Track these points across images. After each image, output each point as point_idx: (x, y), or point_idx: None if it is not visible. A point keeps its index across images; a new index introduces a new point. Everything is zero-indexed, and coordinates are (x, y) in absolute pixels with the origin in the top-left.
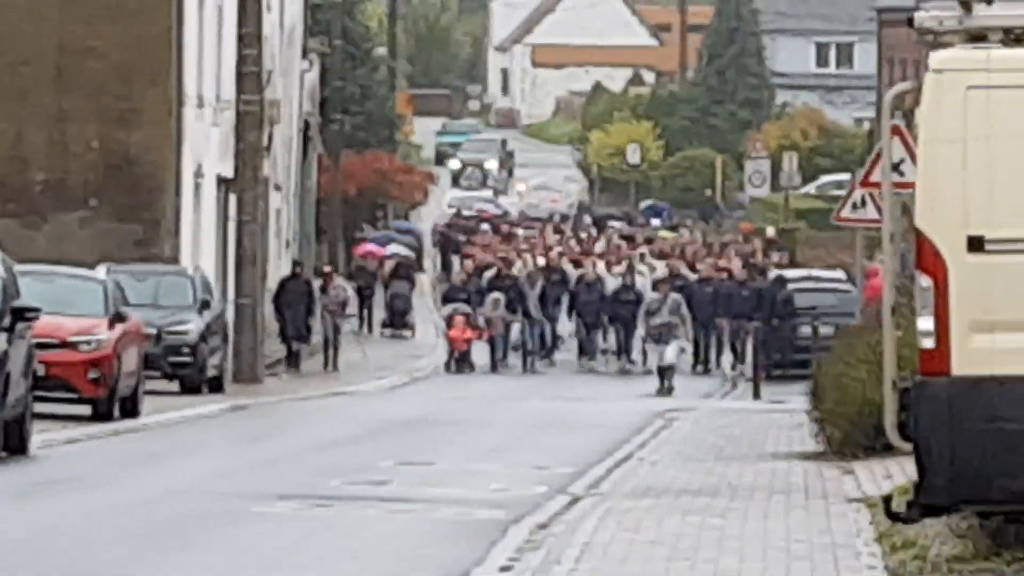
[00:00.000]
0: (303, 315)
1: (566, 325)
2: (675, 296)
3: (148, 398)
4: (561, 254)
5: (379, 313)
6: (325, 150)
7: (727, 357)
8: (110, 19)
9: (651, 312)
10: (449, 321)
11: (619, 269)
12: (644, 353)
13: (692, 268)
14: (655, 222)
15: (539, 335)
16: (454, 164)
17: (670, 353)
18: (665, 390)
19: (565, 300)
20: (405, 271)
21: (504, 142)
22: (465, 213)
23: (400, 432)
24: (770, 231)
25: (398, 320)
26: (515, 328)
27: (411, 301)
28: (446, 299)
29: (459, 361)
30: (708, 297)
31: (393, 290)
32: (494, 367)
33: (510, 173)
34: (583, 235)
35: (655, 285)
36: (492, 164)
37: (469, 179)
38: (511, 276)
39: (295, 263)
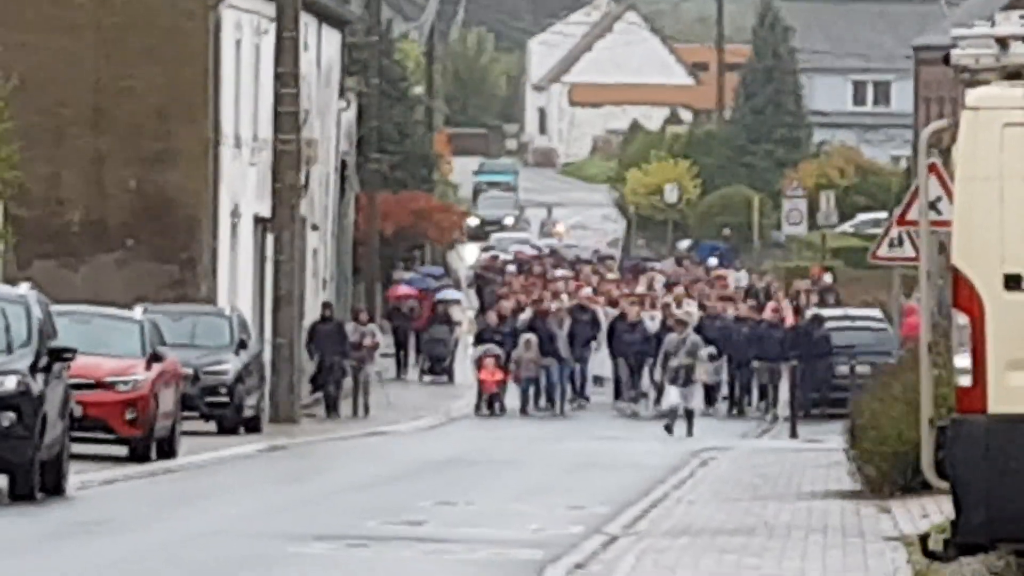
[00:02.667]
0: (338, 359)
1: (604, 366)
2: (694, 337)
3: (185, 438)
4: (597, 293)
5: (414, 355)
6: (362, 189)
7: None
8: (147, 60)
9: (669, 354)
10: (479, 363)
11: (655, 312)
12: (659, 394)
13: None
14: (712, 262)
15: (568, 376)
16: (472, 221)
17: (692, 396)
18: (668, 428)
19: (594, 342)
20: (444, 315)
21: (516, 199)
22: (502, 256)
23: (437, 472)
24: (827, 278)
25: (437, 366)
26: (553, 371)
27: (449, 346)
28: (478, 340)
29: (489, 404)
30: (744, 338)
31: (431, 335)
32: (524, 410)
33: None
34: (627, 276)
35: (672, 325)
36: (509, 220)
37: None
38: (545, 317)
39: (325, 305)
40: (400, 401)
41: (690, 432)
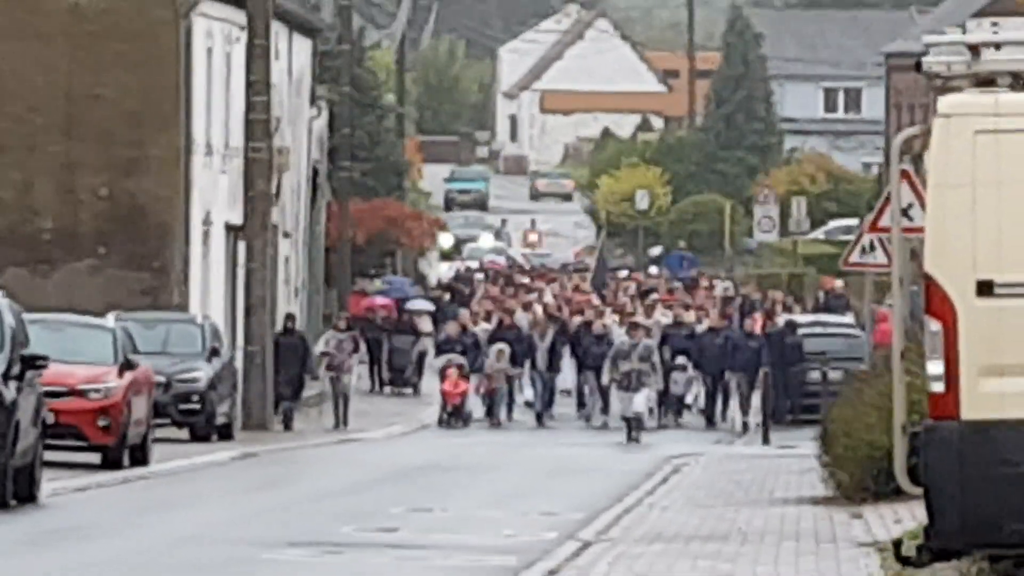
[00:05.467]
0: (297, 374)
1: (568, 378)
2: (647, 342)
3: (157, 446)
4: (568, 304)
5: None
6: (334, 197)
7: (733, 408)
8: (118, 67)
9: (619, 357)
10: (442, 373)
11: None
12: (604, 401)
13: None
14: (659, 271)
15: (549, 389)
16: (445, 241)
17: (638, 402)
18: (632, 439)
19: (566, 352)
20: (408, 325)
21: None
22: (471, 265)
23: (410, 479)
24: (839, 283)
25: (397, 377)
26: (525, 382)
27: (411, 356)
28: (439, 350)
29: (451, 415)
30: (717, 349)
31: (392, 345)
32: (493, 422)
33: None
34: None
35: (628, 329)
36: (486, 241)
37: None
38: (514, 327)
39: (288, 317)
40: (372, 409)
41: (634, 438)
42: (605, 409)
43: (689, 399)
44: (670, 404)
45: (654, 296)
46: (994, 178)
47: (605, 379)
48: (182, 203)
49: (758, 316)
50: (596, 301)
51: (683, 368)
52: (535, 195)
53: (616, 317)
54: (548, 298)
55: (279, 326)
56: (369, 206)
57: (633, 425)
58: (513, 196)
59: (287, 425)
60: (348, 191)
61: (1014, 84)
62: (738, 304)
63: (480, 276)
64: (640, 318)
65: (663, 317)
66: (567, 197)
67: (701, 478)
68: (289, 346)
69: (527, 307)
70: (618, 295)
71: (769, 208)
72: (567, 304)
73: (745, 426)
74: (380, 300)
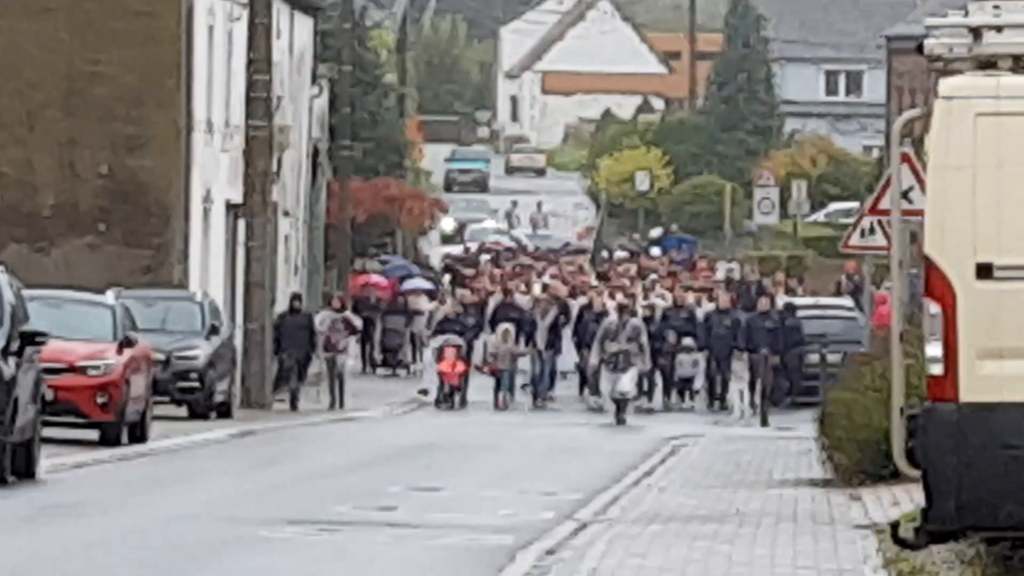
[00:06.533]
0: (303, 354)
1: (568, 360)
2: (634, 322)
3: (156, 423)
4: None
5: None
6: (334, 176)
7: (736, 389)
8: (119, 44)
9: (607, 338)
10: (439, 354)
11: (621, 299)
12: (583, 380)
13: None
14: (655, 252)
15: (550, 370)
16: (447, 225)
17: (625, 382)
18: (620, 420)
19: (567, 333)
20: (403, 305)
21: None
22: (471, 246)
23: (408, 458)
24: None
25: (391, 357)
26: (526, 362)
27: (405, 337)
28: (437, 331)
29: (449, 396)
30: (726, 330)
31: (386, 325)
32: (497, 404)
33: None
34: (604, 267)
35: (618, 311)
36: (489, 223)
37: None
38: (515, 307)
39: (294, 296)
40: (370, 388)
41: (621, 420)
42: (596, 390)
43: (698, 384)
44: (673, 385)
45: (652, 277)
46: (995, 161)
47: (594, 360)
48: (182, 181)
49: (766, 299)
50: (594, 281)
51: (690, 350)
52: (509, 169)
53: (614, 301)
54: (546, 279)
55: (279, 305)
56: (369, 185)
57: (621, 406)
58: (514, 177)
59: (293, 405)
60: (348, 170)
61: (1015, 67)
62: (751, 286)
63: (486, 257)
64: (639, 300)
65: (660, 300)
66: (540, 171)
67: (699, 459)
68: (295, 325)
69: (528, 287)
70: (616, 276)
71: (769, 190)
72: (564, 285)
73: (754, 407)
74: (375, 279)
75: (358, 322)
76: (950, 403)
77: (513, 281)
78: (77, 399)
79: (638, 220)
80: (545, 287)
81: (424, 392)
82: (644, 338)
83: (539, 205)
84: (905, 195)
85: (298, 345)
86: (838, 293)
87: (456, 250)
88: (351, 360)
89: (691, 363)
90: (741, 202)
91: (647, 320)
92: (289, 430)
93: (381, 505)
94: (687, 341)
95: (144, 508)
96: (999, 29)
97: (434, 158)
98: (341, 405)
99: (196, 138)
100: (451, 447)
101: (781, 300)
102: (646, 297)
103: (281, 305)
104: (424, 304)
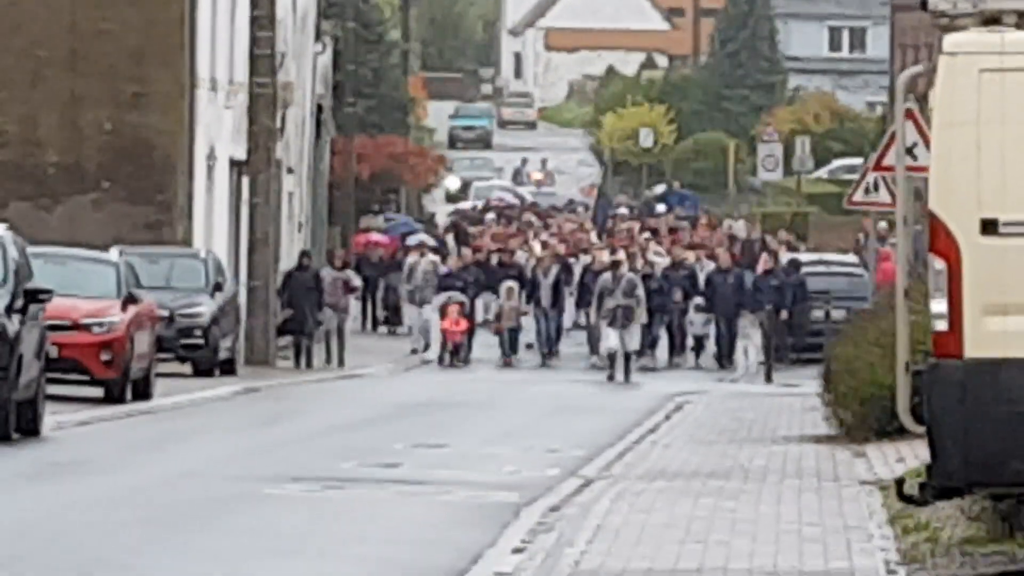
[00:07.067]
0: (312, 310)
1: (568, 317)
2: (629, 276)
3: (160, 380)
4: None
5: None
6: (338, 133)
7: (741, 347)
8: (123, 1)
9: (604, 295)
10: (443, 311)
11: (621, 256)
12: (589, 340)
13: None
14: (660, 208)
15: (555, 328)
16: (452, 183)
17: (632, 336)
18: (610, 376)
19: (567, 290)
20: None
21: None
22: (477, 204)
23: (412, 415)
24: (882, 224)
25: (392, 315)
26: (529, 320)
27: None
28: (440, 288)
29: (452, 354)
30: (730, 288)
31: (387, 282)
32: (505, 361)
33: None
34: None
35: (610, 267)
36: (496, 181)
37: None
38: (516, 264)
39: (303, 253)
40: (370, 345)
41: (627, 378)
42: (595, 348)
43: (711, 343)
44: (685, 345)
45: (645, 236)
46: (999, 117)
47: (593, 318)
48: (186, 138)
49: (767, 257)
50: (595, 239)
51: (700, 309)
52: (501, 123)
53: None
54: (545, 236)
55: (283, 263)
56: (373, 142)
57: (624, 361)
58: (517, 133)
59: (308, 362)
60: (352, 127)
61: (1020, 22)
62: (755, 243)
63: (491, 216)
64: (638, 258)
65: (658, 257)
66: (531, 125)
67: (703, 416)
68: (303, 282)
69: (527, 245)
70: (618, 233)
71: (773, 147)
72: (562, 243)
73: (761, 365)
74: (376, 237)
75: (357, 281)
76: (955, 359)
77: (516, 239)
78: (81, 356)
79: (642, 177)
80: (544, 245)
81: (415, 351)
82: (641, 291)
83: (543, 162)
84: (909, 151)
85: (306, 301)
86: (857, 251)
87: (465, 205)
88: (351, 319)
89: (703, 322)
90: (745, 159)
91: (647, 278)
92: (293, 387)
93: (385, 462)
94: (698, 300)
95: (148, 465)
96: None
97: (437, 115)
98: (341, 363)
99: (200, 95)
100: (455, 404)
101: (784, 257)
102: (643, 255)
103: (285, 263)
104: (410, 259)
